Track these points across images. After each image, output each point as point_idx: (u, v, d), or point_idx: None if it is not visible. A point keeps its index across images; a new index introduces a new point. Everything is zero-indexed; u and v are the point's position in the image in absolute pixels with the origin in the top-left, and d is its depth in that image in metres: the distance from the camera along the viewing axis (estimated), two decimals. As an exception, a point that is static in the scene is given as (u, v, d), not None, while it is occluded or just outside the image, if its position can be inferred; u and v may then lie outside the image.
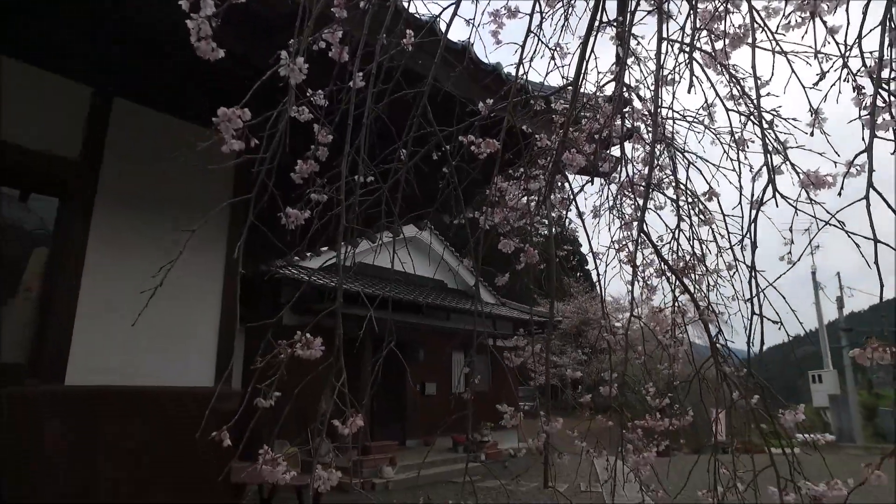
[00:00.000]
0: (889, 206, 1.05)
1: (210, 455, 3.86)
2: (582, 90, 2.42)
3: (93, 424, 3.60)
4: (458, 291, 15.99)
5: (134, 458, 3.75)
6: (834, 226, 1.27)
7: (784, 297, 1.66)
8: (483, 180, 2.19)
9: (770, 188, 1.44)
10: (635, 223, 2.06)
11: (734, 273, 2.37)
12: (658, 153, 2.45)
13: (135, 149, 4.03)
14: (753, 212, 1.51)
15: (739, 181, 2.00)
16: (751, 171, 1.77)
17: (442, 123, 2.22)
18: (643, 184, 1.90)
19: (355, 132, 1.61)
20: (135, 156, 4.02)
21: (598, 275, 2.26)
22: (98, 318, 3.69)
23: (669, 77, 2.15)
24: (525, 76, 2.11)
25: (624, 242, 2.50)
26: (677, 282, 1.96)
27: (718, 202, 2.53)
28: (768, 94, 1.71)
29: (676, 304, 2.13)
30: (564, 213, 2.58)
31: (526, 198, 2.49)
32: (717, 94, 1.99)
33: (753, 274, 1.40)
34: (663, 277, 2.75)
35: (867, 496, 1.49)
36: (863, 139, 1.39)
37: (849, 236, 1.18)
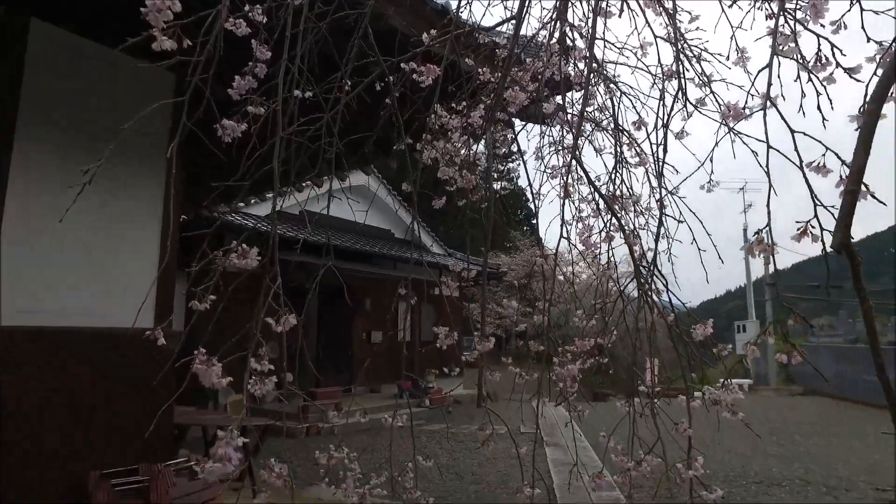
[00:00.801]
0: (782, 117, 1.15)
1: (149, 397, 3.85)
2: (525, 29, 2.44)
3: (27, 366, 3.51)
4: (407, 241, 16.04)
5: (70, 400, 3.70)
6: (732, 132, 1.36)
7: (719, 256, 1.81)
8: (424, 109, 2.20)
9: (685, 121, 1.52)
10: (571, 154, 2.13)
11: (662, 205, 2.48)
12: (593, 83, 2.51)
13: (59, 73, 3.79)
14: (662, 131, 1.60)
15: (663, 111, 2.07)
16: (683, 102, 1.85)
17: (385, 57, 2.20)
18: (578, 114, 1.96)
19: (294, 48, 1.58)
20: (59, 81, 3.78)
21: (536, 206, 2.33)
22: (26, 254, 3.54)
23: (608, 9, 2.19)
24: (469, 5, 2.10)
25: (559, 168, 2.57)
26: (607, 209, 2.05)
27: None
28: (697, 28, 1.78)
29: (606, 227, 2.22)
30: (505, 149, 2.62)
31: (467, 135, 2.52)
32: (652, 31, 2.05)
33: (661, 182, 1.50)
34: (598, 217, 2.86)
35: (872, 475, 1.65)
36: (779, 76, 1.48)
37: (743, 143, 1.28)
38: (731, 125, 1.57)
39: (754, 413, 13.01)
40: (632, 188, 2.51)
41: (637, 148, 2.72)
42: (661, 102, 1.95)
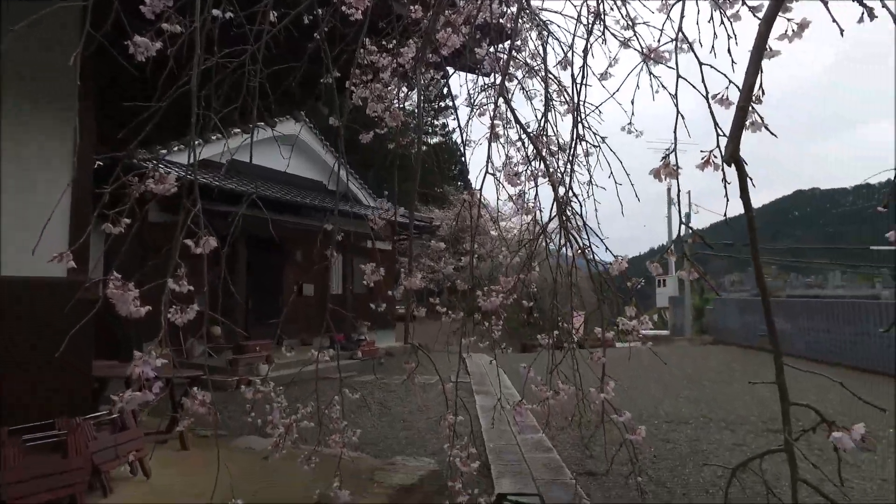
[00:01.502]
0: (693, 52, 1.21)
1: (66, 350, 3.68)
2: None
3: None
4: (344, 197, 15.72)
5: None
6: (652, 75, 1.43)
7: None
8: (354, 44, 2.13)
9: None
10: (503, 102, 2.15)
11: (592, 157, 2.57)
12: (523, 25, 2.52)
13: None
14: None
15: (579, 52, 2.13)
16: (603, 39, 1.90)
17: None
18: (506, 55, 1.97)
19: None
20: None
21: (462, 142, 2.33)
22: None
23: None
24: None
25: (485, 106, 2.59)
26: (534, 150, 2.10)
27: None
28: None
29: (530, 166, 2.29)
30: (437, 91, 2.60)
31: (397, 76, 2.48)
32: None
33: (578, 105, 1.55)
34: (528, 164, 2.91)
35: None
36: (697, 22, 1.55)
37: (657, 80, 1.35)
38: (651, 66, 1.63)
39: (669, 361, 13.93)
40: (560, 136, 2.57)
41: (566, 95, 2.77)
42: (587, 41, 1.99)
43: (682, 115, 1.41)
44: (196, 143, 1.48)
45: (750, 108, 1.04)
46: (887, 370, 11.30)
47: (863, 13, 1.09)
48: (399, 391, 9.85)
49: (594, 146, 2.59)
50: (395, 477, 4.91)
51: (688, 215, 27.38)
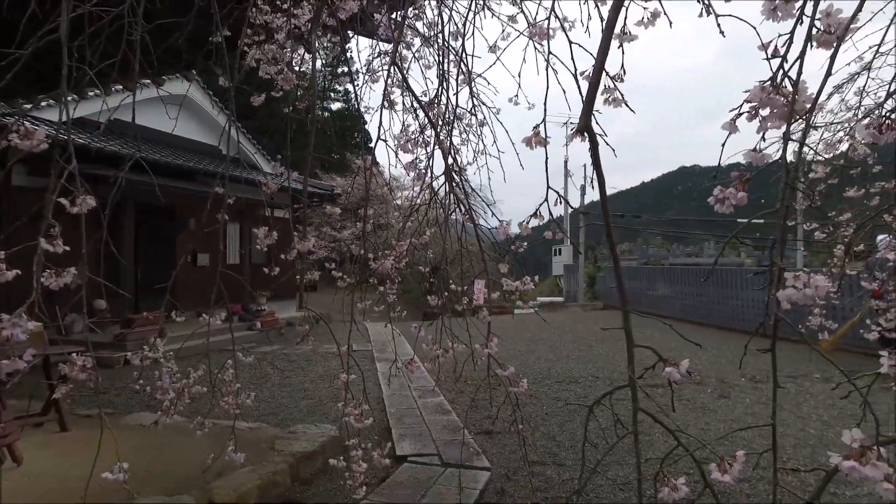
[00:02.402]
0: (567, 37, 1.32)
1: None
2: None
3: None
4: (236, 160, 14.99)
5: None
6: (537, 50, 1.52)
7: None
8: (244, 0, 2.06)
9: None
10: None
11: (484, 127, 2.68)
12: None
13: None
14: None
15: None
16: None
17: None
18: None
19: None
20: None
21: (357, 103, 2.34)
22: None
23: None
24: None
25: (379, 72, 2.61)
26: (426, 118, 2.16)
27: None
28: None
29: (423, 133, 2.35)
30: (334, 56, 2.57)
31: (292, 38, 2.41)
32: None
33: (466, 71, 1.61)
34: (423, 133, 2.97)
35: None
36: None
37: (540, 52, 1.45)
38: (537, 43, 1.73)
39: (563, 326, 14.81)
40: (455, 106, 2.64)
41: (462, 66, 2.85)
42: (469, 13, 2.06)
43: (563, 90, 1.54)
44: (69, 97, 1.40)
45: (613, 86, 1.17)
46: (744, 328, 12.85)
47: (702, 9, 1.25)
48: (300, 361, 9.76)
49: (494, 112, 2.70)
50: (296, 444, 4.93)
51: (583, 187, 28.86)
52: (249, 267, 13.89)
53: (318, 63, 2.69)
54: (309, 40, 2.41)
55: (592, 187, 1.22)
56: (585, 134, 1.03)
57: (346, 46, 3.03)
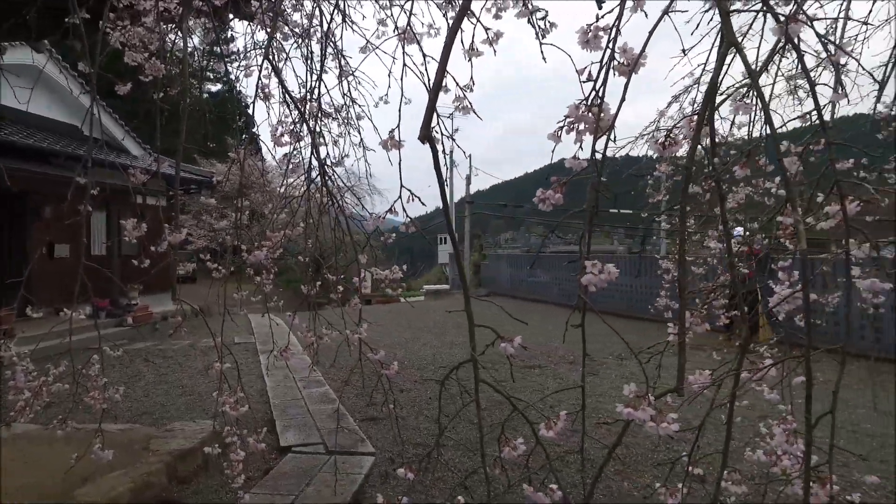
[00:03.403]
0: (456, 39, 1.45)
1: None
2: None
3: None
4: (98, 142, 13.73)
5: None
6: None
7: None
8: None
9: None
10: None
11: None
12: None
13: None
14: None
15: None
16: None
17: None
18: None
19: None
20: None
21: (236, 95, 2.34)
22: None
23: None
24: None
25: (253, 66, 2.60)
26: (299, 113, 2.20)
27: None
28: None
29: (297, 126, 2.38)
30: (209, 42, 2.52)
31: (163, 21, 2.34)
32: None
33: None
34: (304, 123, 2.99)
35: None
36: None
37: (414, 65, 1.57)
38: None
39: (446, 314, 15.24)
40: (333, 99, 2.70)
41: (342, 59, 2.90)
42: (337, 11, 2.13)
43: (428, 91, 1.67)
44: None
45: (463, 95, 1.32)
46: (617, 311, 14.04)
47: (536, 34, 1.44)
48: (177, 356, 9.27)
49: (366, 109, 2.77)
50: (173, 443, 4.73)
51: (468, 177, 29.75)
52: (119, 259, 12.87)
53: (193, 44, 2.62)
54: (180, 26, 2.36)
55: (473, 178, 1.35)
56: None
57: (228, 25, 2.97)
